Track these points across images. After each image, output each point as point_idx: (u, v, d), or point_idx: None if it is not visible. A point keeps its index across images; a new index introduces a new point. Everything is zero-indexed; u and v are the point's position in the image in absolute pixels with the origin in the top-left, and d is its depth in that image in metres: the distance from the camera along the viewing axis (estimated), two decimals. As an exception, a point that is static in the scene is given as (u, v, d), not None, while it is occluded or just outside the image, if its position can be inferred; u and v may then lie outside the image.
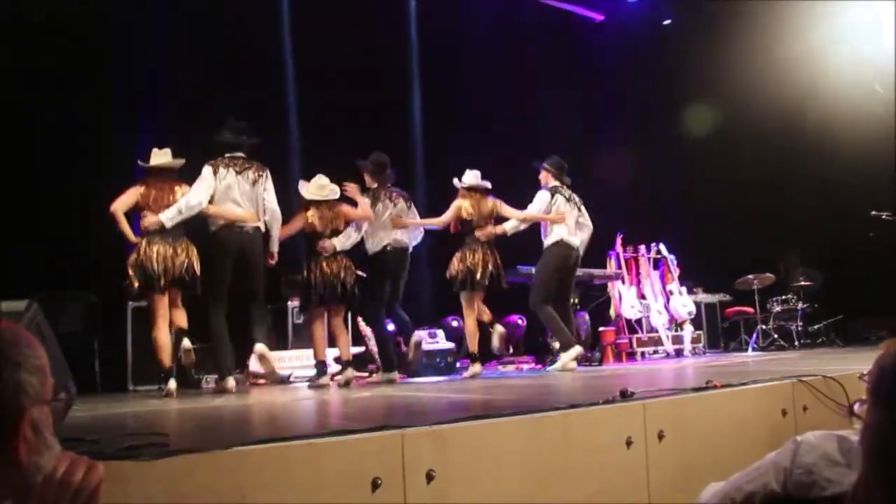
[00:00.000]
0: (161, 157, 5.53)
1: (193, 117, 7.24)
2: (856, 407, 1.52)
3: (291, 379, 6.75)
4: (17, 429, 1.04)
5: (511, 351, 8.86)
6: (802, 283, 9.66)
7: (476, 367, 6.30)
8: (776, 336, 9.37)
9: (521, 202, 6.77)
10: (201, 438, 2.38)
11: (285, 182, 6.36)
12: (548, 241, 6.71)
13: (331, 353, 6.27)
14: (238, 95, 7.61)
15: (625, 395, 2.87)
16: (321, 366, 5.93)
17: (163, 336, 5.36)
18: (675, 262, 9.79)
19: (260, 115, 7.29)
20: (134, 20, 7.50)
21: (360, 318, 7.51)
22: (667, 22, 11.64)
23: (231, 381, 5.41)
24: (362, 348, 7.61)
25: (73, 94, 6.72)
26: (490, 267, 6.35)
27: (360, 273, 6.22)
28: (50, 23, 6.63)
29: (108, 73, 7.25)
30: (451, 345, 6.88)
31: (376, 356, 6.70)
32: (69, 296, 6.01)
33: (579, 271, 7.97)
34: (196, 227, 5.59)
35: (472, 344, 6.41)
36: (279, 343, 7.25)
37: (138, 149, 7.17)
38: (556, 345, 7.73)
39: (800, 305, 9.47)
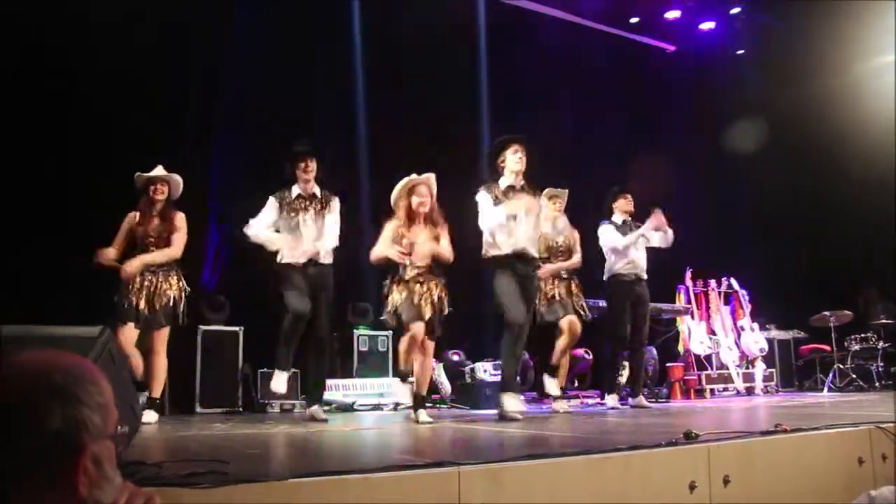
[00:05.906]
0: None
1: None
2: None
3: (356, 407, 6.81)
4: (78, 464, 1.07)
5: (577, 384, 8.75)
6: (883, 320, 9.26)
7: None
8: (854, 376, 8.98)
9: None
10: (261, 468, 2.41)
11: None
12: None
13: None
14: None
15: (689, 437, 2.79)
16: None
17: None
18: (746, 297, 9.54)
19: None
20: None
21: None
22: (740, 52, 11.47)
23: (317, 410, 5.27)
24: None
25: (155, 122, 7.00)
26: None
27: None
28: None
29: (186, 101, 7.56)
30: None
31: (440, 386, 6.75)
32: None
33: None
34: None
35: None
36: (345, 371, 7.30)
37: (212, 174, 7.42)
38: (623, 379, 7.58)
39: (880, 344, 9.06)
